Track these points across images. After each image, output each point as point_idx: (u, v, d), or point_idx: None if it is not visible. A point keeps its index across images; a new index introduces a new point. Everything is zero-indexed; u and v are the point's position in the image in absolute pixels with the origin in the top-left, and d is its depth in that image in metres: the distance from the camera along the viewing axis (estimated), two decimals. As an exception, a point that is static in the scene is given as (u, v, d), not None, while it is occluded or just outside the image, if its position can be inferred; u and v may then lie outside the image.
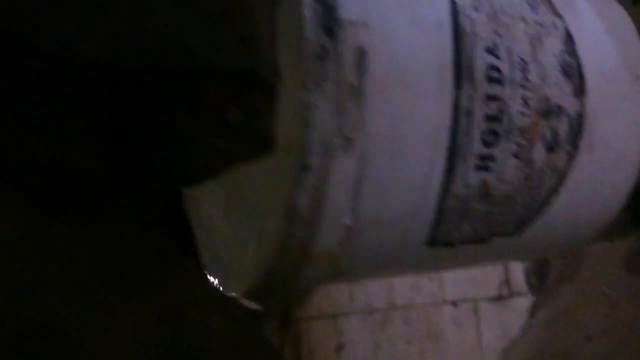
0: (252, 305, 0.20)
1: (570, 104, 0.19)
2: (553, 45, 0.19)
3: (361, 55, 0.15)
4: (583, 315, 0.29)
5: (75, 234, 0.11)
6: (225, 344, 0.13)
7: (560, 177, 0.20)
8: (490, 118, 0.18)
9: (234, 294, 0.19)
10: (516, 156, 0.18)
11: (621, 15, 0.22)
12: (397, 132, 0.16)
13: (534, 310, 0.32)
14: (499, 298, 1.43)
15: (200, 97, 0.13)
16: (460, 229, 0.19)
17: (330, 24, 0.15)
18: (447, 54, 0.17)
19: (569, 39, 0.19)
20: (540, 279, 0.36)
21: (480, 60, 0.17)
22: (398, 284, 1.86)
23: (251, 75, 0.13)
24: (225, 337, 0.13)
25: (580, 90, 0.19)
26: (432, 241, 0.19)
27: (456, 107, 0.17)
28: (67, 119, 0.11)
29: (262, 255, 0.17)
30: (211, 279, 0.19)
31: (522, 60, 0.18)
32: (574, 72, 0.19)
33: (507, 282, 1.33)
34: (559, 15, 0.20)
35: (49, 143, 0.11)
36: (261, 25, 0.13)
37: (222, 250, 0.19)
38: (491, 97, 0.18)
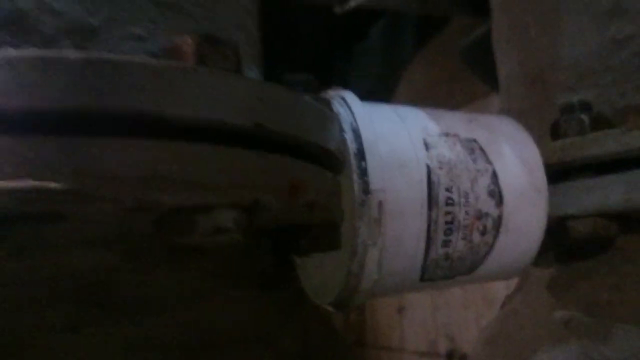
0: (329, 308, 0.39)
1: (493, 211, 0.37)
2: (484, 181, 0.37)
3: (380, 204, 0.34)
4: (523, 314, 0.46)
5: (269, 296, 0.30)
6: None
7: (490, 246, 0.37)
8: (447, 222, 0.36)
9: (320, 303, 0.38)
10: (463, 239, 0.36)
11: (533, 153, 0.39)
12: (399, 235, 0.34)
13: (502, 306, 0.50)
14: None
15: (313, 238, 0.31)
16: (436, 273, 0.37)
17: (366, 190, 0.33)
18: (425, 195, 0.35)
19: (494, 175, 0.37)
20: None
21: (442, 195, 0.35)
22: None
23: (338, 225, 0.32)
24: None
25: (499, 203, 0.37)
26: (422, 279, 0.37)
27: (429, 219, 0.35)
28: (262, 242, 0.30)
29: (336, 289, 0.36)
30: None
31: (465, 192, 0.36)
32: (496, 194, 0.37)
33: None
34: (490, 162, 0.37)
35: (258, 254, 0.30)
36: (339, 205, 0.31)
37: (313, 283, 0.38)
38: (448, 212, 0.35)
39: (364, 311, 2.25)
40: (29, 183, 0.20)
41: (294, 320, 0.31)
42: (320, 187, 0.29)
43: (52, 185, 0.20)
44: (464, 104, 1.44)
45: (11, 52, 0.22)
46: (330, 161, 0.30)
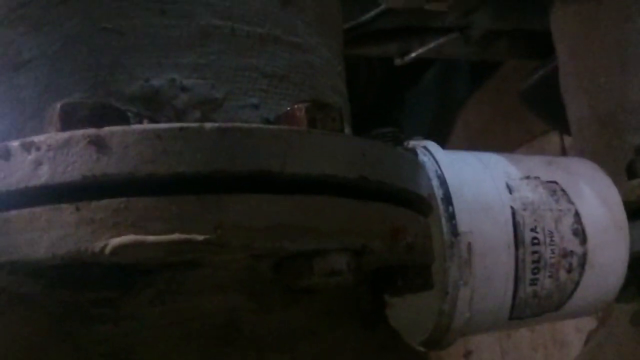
0: (421, 348, 0.40)
1: (578, 249, 0.38)
2: (567, 220, 0.38)
3: (469, 245, 0.36)
4: (608, 349, 0.46)
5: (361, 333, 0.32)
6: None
7: (576, 283, 0.39)
8: (534, 261, 0.37)
9: (412, 343, 0.40)
10: (550, 277, 0.38)
11: (612, 192, 0.40)
12: (488, 274, 0.36)
13: (586, 342, 0.50)
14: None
15: (409, 278, 0.34)
16: (525, 311, 0.39)
17: (454, 232, 0.36)
18: (511, 235, 0.37)
19: (577, 215, 0.38)
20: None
21: (527, 235, 0.37)
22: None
23: (430, 266, 0.34)
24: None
25: (583, 241, 0.38)
26: (511, 317, 0.38)
27: (516, 259, 0.37)
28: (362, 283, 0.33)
29: (427, 329, 0.38)
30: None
31: (550, 231, 0.38)
32: (579, 232, 0.38)
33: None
34: (572, 202, 0.39)
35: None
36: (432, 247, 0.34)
37: (405, 324, 0.40)
38: (534, 252, 0.37)
39: (429, 356, 2.20)
40: (178, 236, 0.23)
41: (393, 355, 0.34)
42: (417, 231, 0.31)
43: (197, 237, 0.23)
44: (520, 144, 1.44)
45: (156, 125, 0.25)
46: (422, 206, 0.33)
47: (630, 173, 0.44)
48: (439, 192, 0.36)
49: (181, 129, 0.25)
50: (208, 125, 0.25)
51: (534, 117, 1.25)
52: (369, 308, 0.35)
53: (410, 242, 0.30)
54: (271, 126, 0.27)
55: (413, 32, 0.96)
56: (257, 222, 0.24)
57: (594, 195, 0.40)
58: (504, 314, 0.38)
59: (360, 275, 0.31)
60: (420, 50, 0.95)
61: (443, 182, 0.37)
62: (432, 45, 0.93)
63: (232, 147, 0.25)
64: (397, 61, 0.99)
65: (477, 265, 0.36)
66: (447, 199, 0.36)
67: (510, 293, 0.37)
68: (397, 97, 1.84)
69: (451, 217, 0.36)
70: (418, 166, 0.34)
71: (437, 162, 0.38)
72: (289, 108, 0.28)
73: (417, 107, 1.85)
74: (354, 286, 0.33)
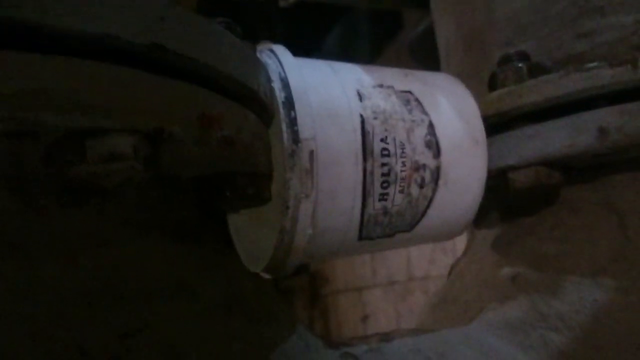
0: (266, 276, 0.37)
1: (431, 162, 0.35)
2: (420, 132, 0.35)
3: (311, 154, 0.32)
4: (468, 276, 0.45)
5: (182, 247, 0.28)
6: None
7: (430, 200, 0.36)
8: (384, 174, 0.34)
9: (255, 270, 0.36)
10: (401, 192, 0.35)
11: (470, 105, 0.38)
12: (333, 187, 0.33)
13: (449, 274, 0.49)
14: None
15: (239, 187, 0.29)
16: (375, 230, 0.35)
17: (295, 139, 0.32)
18: (359, 145, 0.33)
19: (431, 126, 0.36)
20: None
21: (377, 146, 0.34)
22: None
23: (265, 175, 0.30)
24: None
25: (437, 154, 0.36)
26: (360, 238, 0.35)
27: (364, 171, 0.33)
28: (183, 193, 0.28)
29: (269, 249, 0.34)
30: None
31: (401, 142, 0.34)
32: (433, 145, 0.35)
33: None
34: (426, 113, 0.36)
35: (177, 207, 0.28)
36: (266, 153, 0.29)
37: (246, 246, 0.36)
38: (384, 164, 0.34)
39: (328, 321, 2.24)
40: None
41: (217, 273, 0.29)
42: (240, 125, 0.27)
43: None
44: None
45: None
46: (253, 103, 0.29)
47: (492, 85, 0.41)
48: (280, 96, 0.32)
49: None
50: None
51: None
52: (191, 221, 0.30)
53: (229, 135, 0.26)
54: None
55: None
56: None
57: (451, 107, 0.37)
58: (353, 233, 0.35)
59: (175, 183, 0.26)
60: (303, -9, 0.91)
61: (286, 85, 0.33)
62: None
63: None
64: (282, 3, 0.94)
65: (320, 176, 0.32)
66: (289, 103, 0.32)
67: (358, 209, 0.34)
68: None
69: (293, 123, 0.32)
70: (249, 57, 0.30)
71: (281, 64, 0.34)
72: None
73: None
74: (170, 195, 0.28)
